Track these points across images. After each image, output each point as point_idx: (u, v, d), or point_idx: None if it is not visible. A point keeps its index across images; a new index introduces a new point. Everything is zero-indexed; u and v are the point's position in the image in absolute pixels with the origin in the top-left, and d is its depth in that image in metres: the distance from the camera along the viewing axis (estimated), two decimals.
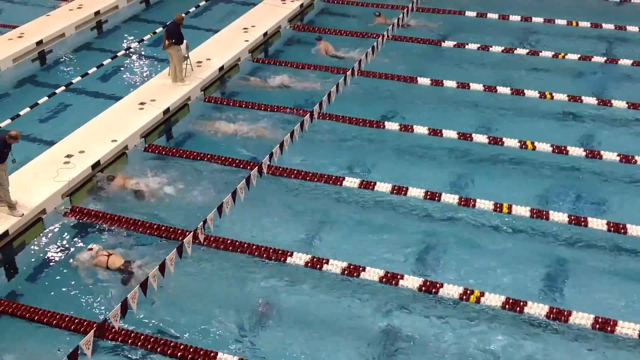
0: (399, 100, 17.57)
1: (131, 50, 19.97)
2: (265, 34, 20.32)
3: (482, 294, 11.52)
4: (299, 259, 12.41)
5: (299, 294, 11.96)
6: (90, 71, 18.51)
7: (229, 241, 12.79)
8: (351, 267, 12.18)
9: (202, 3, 22.82)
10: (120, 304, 10.53)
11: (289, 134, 14.77)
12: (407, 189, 13.94)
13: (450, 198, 13.70)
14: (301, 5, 22.19)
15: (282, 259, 12.46)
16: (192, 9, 22.12)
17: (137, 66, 19.44)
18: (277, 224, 13.52)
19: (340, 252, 12.76)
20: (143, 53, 20.07)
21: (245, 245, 12.73)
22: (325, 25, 21.45)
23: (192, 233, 12.12)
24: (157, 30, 20.32)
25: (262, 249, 12.65)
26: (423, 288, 11.74)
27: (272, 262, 12.46)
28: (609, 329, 10.85)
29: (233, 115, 16.96)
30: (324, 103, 16.00)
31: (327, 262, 12.28)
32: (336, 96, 16.39)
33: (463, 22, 21.37)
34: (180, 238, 12.48)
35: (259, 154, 15.27)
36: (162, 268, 11.23)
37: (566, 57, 18.74)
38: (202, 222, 12.29)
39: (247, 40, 19.75)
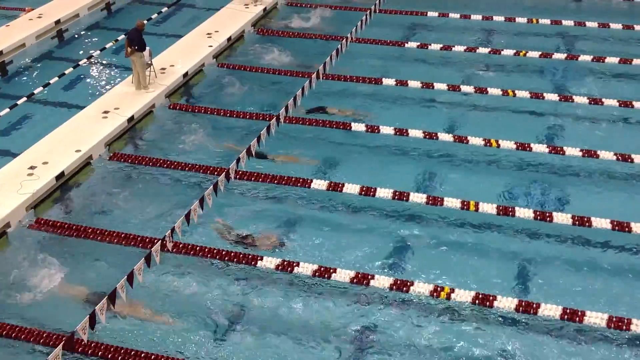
0: (364, 101, 17.64)
1: (93, 58, 19.75)
2: (229, 39, 20.27)
3: (452, 291, 11.62)
4: (269, 262, 12.39)
5: (270, 297, 11.92)
6: (52, 81, 18.26)
7: (198, 247, 12.72)
8: (322, 269, 12.20)
9: (165, 9, 22.68)
10: (88, 316, 10.38)
11: (256, 138, 14.74)
12: (375, 189, 14.00)
13: (418, 197, 13.79)
14: (264, 9, 22.18)
15: (253, 263, 12.42)
16: (155, 16, 21.98)
17: (99, 74, 19.24)
18: (246, 229, 13.45)
19: (310, 255, 12.77)
20: (105, 61, 19.87)
21: (215, 251, 12.67)
22: (290, 29, 21.46)
23: (160, 241, 12.01)
24: (119, 38, 20.14)
25: (232, 254, 12.60)
26: (394, 287, 11.80)
27: (242, 267, 12.41)
28: (577, 319, 11.01)
29: (199, 121, 16.89)
30: (290, 106, 16.00)
31: (297, 265, 12.28)
32: (302, 99, 16.40)
33: (425, 22, 21.55)
34: (149, 247, 12.37)
35: (227, 159, 15.24)
36: (130, 278, 11.11)
37: (527, 54, 19.00)
38: (170, 230, 12.19)
39: (211, 46, 19.68)
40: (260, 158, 15.13)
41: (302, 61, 19.42)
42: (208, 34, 20.38)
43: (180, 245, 12.67)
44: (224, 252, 12.63)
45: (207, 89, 18.51)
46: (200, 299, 11.91)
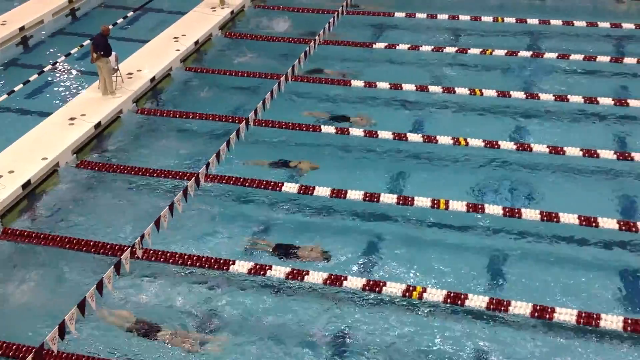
0: (334, 103, 17.66)
1: (58, 64, 19.50)
2: (196, 43, 20.16)
3: (425, 290, 11.68)
4: (241, 267, 12.34)
5: (243, 302, 11.87)
6: (16, 88, 17.98)
7: (168, 254, 12.62)
8: (295, 271, 12.18)
9: (131, 14, 22.47)
10: (57, 326, 10.24)
11: (226, 142, 14.67)
12: (346, 191, 14.02)
13: (388, 198, 13.85)
14: (232, 12, 22.10)
15: (225, 268, 12.37)
16: (120, 20, 21.76)
17: (65, 81, 18.99)
18: (218, 233, 13.40)
19: (283, 258, 12.75)
20: (71, 67, 19.63)
21: (186, 256, 12.58)
22: (257, 31, 21.41)
23: (129, 248, 11.90)
24: (84, 43, 19.91)
25: (204, 259, 12.53)
26: (367, 288, 11.83)
27: (214, 272, 12.35)
28: (547, 316, 11.13)
29: (167, 126, 16.77)
30: (259, 110, 15.96)
31: (270, 268, 12.25)
32: (271, 102, 16.37)
33: (393, 23, 21.64)
34: (118, 254, 12.24)
35: (196, 163, 15.16)
36: (99, 287, 10.98)
37: (493, 53, 19.18)
38: (139, 237, 12.08)
39: (179, 50, 19.56)
40: (282, 167, 15.10)
41: (270, 63, 19.39)
42: (175, 37, 20.24)
43: (151, 252, 12.56)
44: (195, 258, 12.55)
45: (175, 93, 18.39)
46: (171, 305, 11.82)
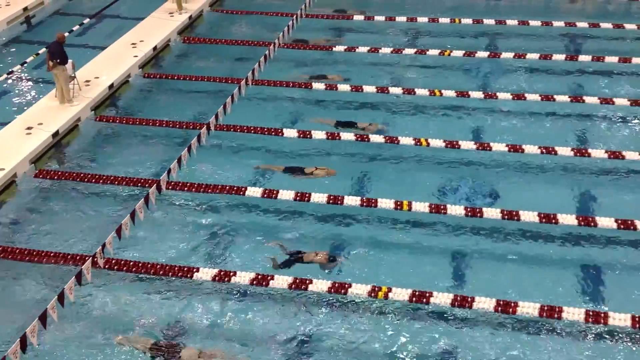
0: (295, 106, 17.67)
1: (14, 73, 19.13)
2: (154, 48, 19.97)
3: (390, 290, 11.73)
4: (205, 274, 12.24)
5: (208, 309, 11.78)
6: None
7: (131, 263, 12.46)
8: (259, 276, 12.13)
9: (87, 20, 22.16)
10: (18, 339, 10.03)
11: (187, 148, 14.56)
12: (309, 195, 14.01)
13: (352, 200, 13.88)
14: (190, 17, 21.96)
15: (189, 275, 12.26)
16: (76, 27, 21.45)
17: (21, 90, 18.64)
18: (180, 241, 13.28)
19: (247, 263, 12.69)
20: (27, 76, 19.27)
21: (149, 265, 12.44)
22: (217, 36, 21.32)
23: (90, 258, 11.72)
24: (40, 52, 19.57)
25: (167, 267, 12.40)
26: (332, 290, 11.83)
27: (178, 280, 12.23)
28: (510, 310, 11.27)
29: (127, 132, 16.57)
30: (220, 114, 15.88)
31: (234, 274, 12.18)
32: (232, 106, 16.29)
33: (351, 26, 21.74)
34: (80, 264, 12.04)
35: (158, 170, 15.01)
36: (61, 298, 10.79)
37: (452, 54, 19.39)
38: (101, 246, 11.91)
39: (137, 56, 19.35)
40: (294, 173, 14.97)
41: (230, 68, 19.31)
42: (133, 43, 20.02)
43: (113, 261, 12.39)
44: (158, 266, 12.41)
45: (134, 100, 18.20)
46: (135, 314, 11.67)
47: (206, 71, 19.15)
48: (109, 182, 14.68)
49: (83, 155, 15.99)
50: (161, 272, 12.33)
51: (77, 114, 16.76)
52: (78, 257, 12.51)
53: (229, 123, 16.30)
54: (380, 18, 21.73)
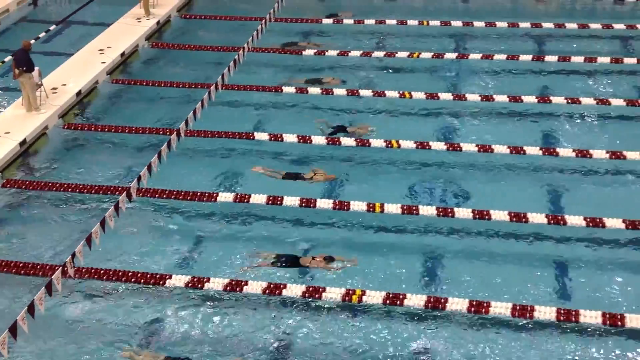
0: (266, 110, 17.63)
1: None
2: (122, 54, 19.80)
3: (364, 293, 11.75)
4: (178, 280, 12.15)
5: (181, 315, 11.69)
6: None
7: (102, 271, 12.32)
8: (233, 282, 12.08)
9: (53, 27, 21.88)
10: None
11: (157, 154, 14.44)
12: (282, 198, 14.00)
13: (325, 203, 13.89)
14: (158, 23, 21.81)
15: (161, 282, 12.15)
16: (42, 34, 21.16)
17: None
18: (152, 248, 13.17)
19: (220, 269, 12.63)
20: None
21: (121, 273, 12.31)
22: (185, 41, 21.20)
23: (60, 268, 11.55)
24: (6, 59, 19.26)
25: (139, 275, 12.29)
26: (306, 294, 11.82)
27: (151, 288, 12.13)
28: (483, 310, 11.37)
29: (96, 140, 16.39)
30: (189, 120, 15.77)
31: (208, 281, 12.11)
32: (202, 112, 16.20)
33: (320, 29, 21.76)
34: (49, 274, 11.87)
35: (128, 178, 14.87)
36: (31, 309, 10.61)
37: (420, 56, 19.50)
38: (70, 255, 11.74)
39: (104, 62, 19.16)
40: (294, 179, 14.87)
41: (199, 73, 19.22)
42: (100, 50, 19.82)
43: (83, 270, 12.24)
44: (130, 274, 12.29)
45: (102, 107, 18.02)
46: (107, 323, 11.55)
47: (175, 76, 19.03)
48: (78, 190, 14.50)
49: (51, 163, 15.79)
50: (133, 280, 12.21)
51: (45, 122, 16.54)
52: (48, 267, 12.34)
53: (199, 128, 16.22)
54: (349, 21, 21.79)
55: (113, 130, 16.67)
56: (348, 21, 21.80)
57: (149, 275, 12.27)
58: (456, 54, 19.68)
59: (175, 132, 15.30)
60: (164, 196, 14.23)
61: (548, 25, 20.90)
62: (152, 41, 21.18)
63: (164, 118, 17.31)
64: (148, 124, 16.82)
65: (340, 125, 16.60)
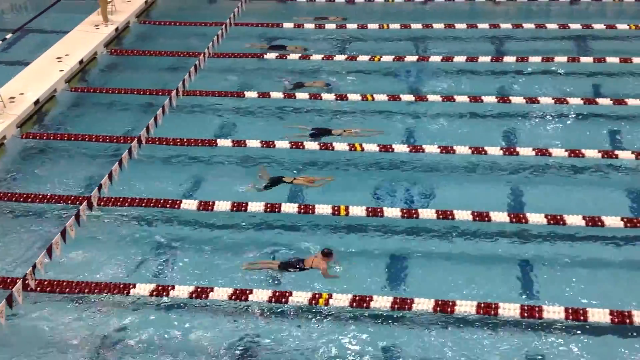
0: (228, 116, 17.55)
1: None
2: (81, 62, 19.53)
3: (331, 296, 11.75)
4: (142, 289, 12.01)
5: (147, 324, 11.56)
6: None
7: (64, 283, 12.12)
8: (198, 289, 11.98)
9: (9, 35, 21.49)
10: None
11: (117, 162, 14.27)
12: (246, 204, 13.92)
13: (289, 207, 13.86)
14: (116, 29, 21.57)
15: (125, 292, 12.00)
16: None
17: None
18: (115, 257, 13.00)
19: (186, 276, 12.52)
20: None
21: (83, 284, 12.12)
22: (145, 47, 21.00)
23: (21, 280, 11.34)
24: None
25: (102, 285, 12.12)
26: (273, 299, 11.78)
27: (115, 297, 11.96)
28: (448, 309, 11.45)
29: (55, 149, 16.13)
30: (151, 127, 15.63)
31: (173, 288, 11.99)
32: (163, 118, 16.07)
33: (282, 34, 21.76)
34: (10, 287, 11.64)
35: (87, 186, 14.65)
36: None
37: (381, 59, 19.61)
38: (31, 267, 11.54)
39: (62, 70, 18.88)
40: (275, 184, 14.76)
41: (160, 79, 19.05)
42: (58, 58, 19.52)
43: (45, 282, 12.02)
44: (93, 285, 12.11)
45: (61, 115, 17.76)
46: (70, 335, 11.37)
47: (135, 83, 18.82)
48: (37, 200, 14.25)
49: (9, 174, 15.50)
50: (96, 291, 12.04)
51: (2, 132, 16.22)
52: (9, 280, 12.09)
53: (160, 135, 16.07)
54: (309, 25, 21.83)
55: (73, 138, 16.42)
56: (309, 25, 21.82)
57: (112, 285, 12.10)
58: (417, 56, 19.82)
59: (136, 140, 15.16)
60: (126, 204, 14.05)
61: (506, 26, 21.20)
62: (111, 48, 20.93)
63: (124, 125, 17.10)
64: (108, 131, 16.59)
65: (323, 128, 16.57)
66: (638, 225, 13.06)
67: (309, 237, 13.44)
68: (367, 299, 11.67)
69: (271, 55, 20.11)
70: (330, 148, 15.76)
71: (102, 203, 13.90)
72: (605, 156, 15.07)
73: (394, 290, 12.12)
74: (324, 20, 22.25)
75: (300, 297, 11.79)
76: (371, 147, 15.66)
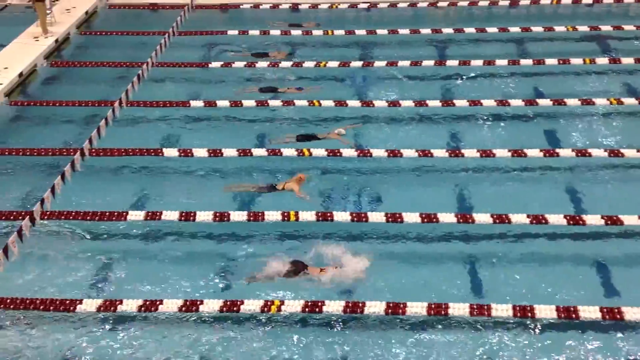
0: (174, 125, 17.35)
1: None
2: (20, 74, 19.06)
3: (282, 303, 11.71)
4: (89, 305, 11.76)
5: (94, 340, 11.32)
6: None
7: (8, 300, 11.78)
8: (147, 302, 11.79)
9: None
10: None
11: (60, 175, 13.96)
12: (195, 214, 13.78)
13: (239, 216, 13.77)
14: (56, 41, 21.14)
15: (72, 308, 11.72)
16: None
17: None
18: (60, 272, 12.71)
19: (135, 290, 12.32)
20: None
21: (28, 301, 11.79)
22: (86, 58, 20.63)
23: None
24: None
25: (48, 302, 11.82)
26: (224, 309, 11.67)
27: (61, 314, 11.68)
28: (400, 311, 11.53)
29: None
30: (93, 138, 15.34)
31: (121, 303, 11.77)
32: (106, 130, 15.79)
33: (226, 41, 21.67)
34: None
35: (29, 201, 14.30)
36: None
37: (327, 65, 19.69)
38: None
39: (1, 84, 18.40)
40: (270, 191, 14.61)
41: (103, 90, 18.72)
42: None
43: None
44: (38, 302, 11.81)
45: (1, 130, 17.25)
46: (16, 353, 11.07)
47: (78, 95, 18.43)
48: None
49: None
50: (42, 308, 11.74)
51: None
52: None
53: (105, 146, 15.79)
54: (254, 32, 21.79)
55: (14, 153, 15.99)
56: (254, 32, 21.79)
57: (58, 302, 11.81)
58: (362, 62, 19.97)
59: (79, 152, 14.85)
60: (70, 218, 13.74)
61: (448, 30, 21.55)
62: (52, 60, 20.52)
63: (67, 138, 16.73)
64: (51, 144, 16.20)
65: (311, 134, 16.61)
66: (580, 222, 13.39)
67: (260, 244, 13.36)
68: (320, 304, 11.67)
69: (216, 64, 19.98)
70: (279, 153, 15.73)
71: (45, 217, 13.56)
72: (547, 155, 15.44)
73: (346, 295, 12.13)
74: (300, 27, 22.31)
75: (251, 306, 11.72)
76: (319, 152, 15.70)
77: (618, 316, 11.32)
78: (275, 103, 17.89)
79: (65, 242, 13.47)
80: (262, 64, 19.90)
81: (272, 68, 19.80)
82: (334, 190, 14.84)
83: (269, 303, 11.73)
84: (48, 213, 13.64)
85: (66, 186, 14.18)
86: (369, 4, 23.95)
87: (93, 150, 15.43)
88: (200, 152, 15.84)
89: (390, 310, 11.52)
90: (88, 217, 13.73)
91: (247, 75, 19.56)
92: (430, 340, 11.23)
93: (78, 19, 22.61)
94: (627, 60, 19.37)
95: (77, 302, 11.80)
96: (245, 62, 19.91)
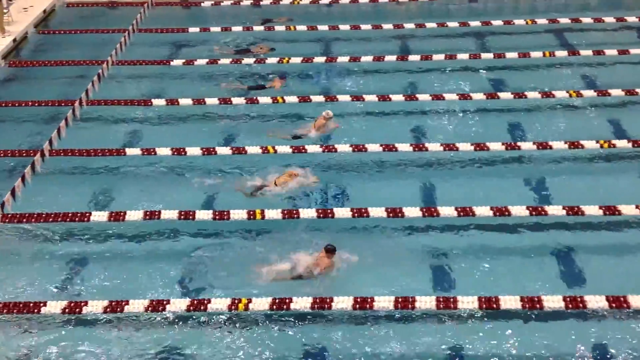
0: (136, 125, 17.16)
1: None
2: None
3: (250, 300, 11.67)
4: (53, 307, 11.58)
5: (59, 344, 11.15)
6: None
7: None
8: (113, 303, 11.65)
9: None
10: None
11: (20, 177, 13.71)
12: (159, 212, 13.67)
13: (204, 215, 13.68)
14: (14, 40, 20.75)
15: (35, 311, 11.53)
16: None
17: None
18: (23, 275, 12.49)
19: (101, 291, 12.18)
20: None
21: None
22: (45, 57, 20.29)
23: None
24: None
25: (11, 305, 11.62)
26: (191, 308, 11.59)
27: (24, 317, 11.49)
28: (367, 306, 11.56)
29: None
30: (54, 139, 15.09)
31: (86, 304, 11.62)
32: (67, 130, 15.55)
33: (188, 39, 21.51)
34: None
35: None
36: None
37: (290, 61, 19.67)
38: None
39: None
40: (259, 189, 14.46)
41: (63, 90, 18.43)
42: None
43: None
44: (0, 305, 11.60)
45: None
46: None
47: (37, 95, 18.11)
48: None
49: None
50: (5, 311, 11.54)
51: None
52: None
53: (65, 147, 15.54)
54: (216, 29, 21.65)
55: None
56: (215, 29, 21.65)
57: (21, 305, 11.61)
58: (325, 58, 19.98)
59: (39, 153, 14.61)
60: (32, 220, 13.52)
61: (409, 25, 21.67)
62: (10, 60, 20.15)
63: (27, 139, 16.43)
64: (9, 146, 15.90)
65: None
66: (542, 213, 13.61)
67: (228, 242, 13.29)
68: (287, 300, 11.66)
69: (178, 62, 19.81)
70: (243, 152, 15.67)
71: (6, 220, 13.31)
72: (509, 148, 15.64)
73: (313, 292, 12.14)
74: (270, 23, 22.21)
75: (219, 304, 11.66)
76: (284, 149, 15.68)
77: (581, 305, 11.53)
78: (238, 101, 17.79)
79: (29, 244, 13.25)
80: (224, 60, 19.77)
81: (235, 65, 19.69)
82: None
83: (236, 301, 11.68)
84: (9, 216, 13.39)
85: (27, 188, 13.93)
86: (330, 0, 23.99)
87: (53, 151, 15.18)
88: (164, 151, 15.70)
89: (358, 305, 11.55)
90: (51, 219, 13.52)
91: (208, 72, 19.41)
92: (393, 334, 11.25)
93: (36, 17, 22.24)
94: (586, 53, 19.73)
95: (41, 304, 11.61)
96: (207, 60, 19.77)
